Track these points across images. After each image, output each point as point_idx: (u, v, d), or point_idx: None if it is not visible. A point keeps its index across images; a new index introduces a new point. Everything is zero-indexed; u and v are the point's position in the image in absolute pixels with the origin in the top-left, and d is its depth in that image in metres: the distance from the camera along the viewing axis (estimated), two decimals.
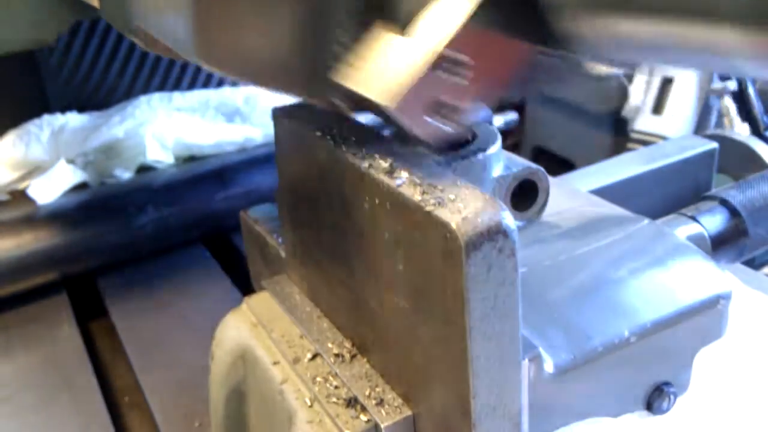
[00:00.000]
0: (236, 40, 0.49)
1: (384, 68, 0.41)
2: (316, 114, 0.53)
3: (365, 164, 0.44)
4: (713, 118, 2.10)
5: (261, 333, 0.57)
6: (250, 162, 1.27)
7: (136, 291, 1.12)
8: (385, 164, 0.43)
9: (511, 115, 1.99)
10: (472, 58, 0.41)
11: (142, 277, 1.15)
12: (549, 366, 0.46)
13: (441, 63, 0.40)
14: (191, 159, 1.30)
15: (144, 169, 1.25)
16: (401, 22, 0.42)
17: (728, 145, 1.47)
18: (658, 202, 0.73)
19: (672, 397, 0.52)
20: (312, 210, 0.53)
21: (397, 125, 0.42)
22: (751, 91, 1.77)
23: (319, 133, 0.49)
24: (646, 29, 0.34)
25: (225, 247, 1.25)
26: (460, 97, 0.41)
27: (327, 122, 0.51)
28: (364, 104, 0.43)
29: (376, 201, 0.43)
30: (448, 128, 0.42)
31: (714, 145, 0.96)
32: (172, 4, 0.49)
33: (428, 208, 0.38)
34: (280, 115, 0.55)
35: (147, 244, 1.18)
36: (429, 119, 0.41)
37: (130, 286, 1.13)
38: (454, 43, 0.40)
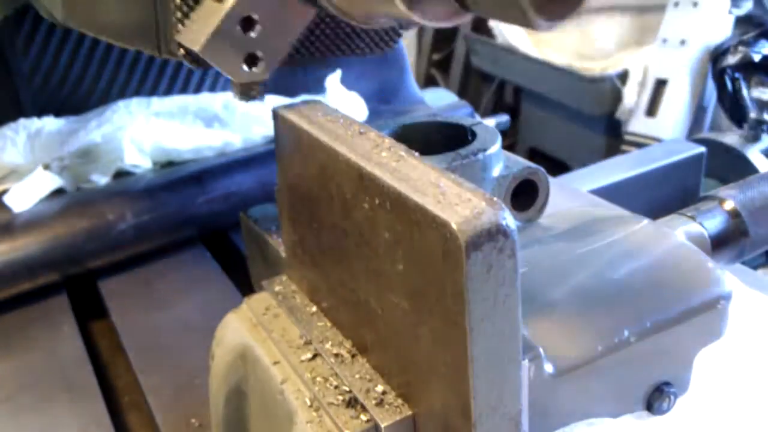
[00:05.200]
0: (97, 6, 0.63)
1: (202, 26, 0.54)
2: (317, 114, 0.53)
3: (365, 164, 0.44)
4: (708, 120, 2.10)
5: (261, 333, 0.57)
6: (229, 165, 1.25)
7: (136, 291, 1.12)
8: (385, 164, 0.43)
9: (503, 118, 2.01)
10: (263, 17, 0.52)
11: (142, 277, 1.15)
12: (549, 366, 0.46)
13: (239, 20, 0.52)
14: (170, 164, 1.28)
15: (121, 174, 1.24)
16: None
17: (717, 149, 1.47)
18: (645, 206, 0.73)
19: (672, 397, 0.52)
20: (312, 210, 0.53)
21: (218, 71, 0.54)
22: (745, 93, 1.78)
23: (319, 133, 0.49)
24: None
25: (225, 247, 1.24)
26: (266, 50, 0.53)
27: (327, 122, 0.51)
28: (195, 56, 0.54)
29: (376, 201, 0.43)
30: (258, 75, 0.54)
31: (702, 149, 0.96)
32: None
33: (428, 208, 0.38)
34: (280, 114, 0.55)
35: (127, 248, 1.15)
36: (243, 67, 0.54)
37: (130, 286, 1.13)
38: (247, 4, 0.52)
